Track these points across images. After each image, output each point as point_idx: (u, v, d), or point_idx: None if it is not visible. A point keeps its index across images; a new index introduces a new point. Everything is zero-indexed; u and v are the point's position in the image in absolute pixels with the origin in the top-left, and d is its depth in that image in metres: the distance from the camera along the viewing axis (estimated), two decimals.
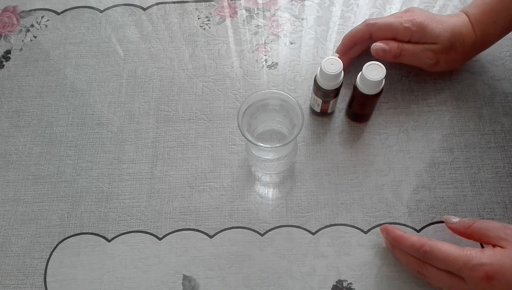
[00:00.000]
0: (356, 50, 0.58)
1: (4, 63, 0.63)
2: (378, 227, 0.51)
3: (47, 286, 0.51)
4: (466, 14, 0.54)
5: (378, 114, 0.58)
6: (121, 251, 0.52)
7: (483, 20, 0.53)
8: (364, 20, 0.56)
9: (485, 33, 0.53)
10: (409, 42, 0.54)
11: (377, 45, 0.53)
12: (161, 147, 0.57)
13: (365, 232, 0.52)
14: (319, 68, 0.50)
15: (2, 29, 0.66)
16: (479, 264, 0.41)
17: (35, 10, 0.67)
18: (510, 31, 0.54)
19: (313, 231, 0.52)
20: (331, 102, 0.54)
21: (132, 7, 0.67)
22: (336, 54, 0.58)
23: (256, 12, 0.65)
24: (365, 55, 0.58)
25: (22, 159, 0.57)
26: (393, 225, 0.51)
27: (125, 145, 0.57)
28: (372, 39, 0.55)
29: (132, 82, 0.61)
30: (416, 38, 0.53)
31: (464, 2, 0.64)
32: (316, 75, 0.52)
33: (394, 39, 0.54)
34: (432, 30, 0.52)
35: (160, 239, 0.52)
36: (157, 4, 0.66)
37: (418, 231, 0.52)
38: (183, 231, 0.53)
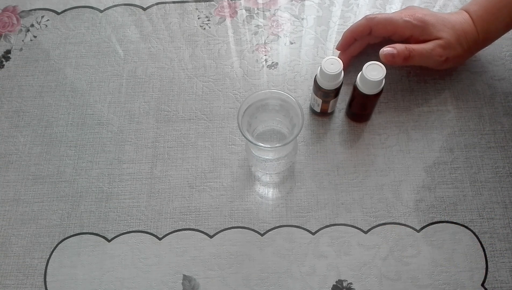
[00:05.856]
0: (356, 47, 0.58)
1: (4, 63, 0.63)
2: (378, 226, 0.51)
3: (47, 286, 0.51)
4: (467, 11, 0.54)
5: (378, 114, 0.58)
6: (121, 251, 0.52)
7: (485, 17, 0.53)
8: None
9: (486, 30, 0.53)
10: (411, 38, 0.53)
11: (385, 50, 0.52)
12: (161, 147, 0.57)
13: (365, 232, 0.52)
14: (319, 68, 0.50)
15: (2, 29, 0.66)
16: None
17: (35, 10, 0.67)
18: (511, 28, 0.54)
19: (313, 231, 0.52)
20: (331, 102, 0.54)
21: (132, 7, 0.67)
22: (336, 51, 0.58)
23: (256, 12, 0.65)
24: (365, 55, 0.58)
25: (22, 159, 0.57)
26: (393, 224, 0.52)
27: (125, 145, 0.57)
28: (372, 34, 0.55)
29: (132, 82, 0.61)
30: (418, 33, 0.53)
31: (464, 2, 0.64)
32: (316, 75, 0.52)
33: (394, 34, 0.54)
34: (433, 25, 0.52)
35: (160, 239, 0.52)
36: (157, 4, 0.66)
37: (418, 231, 0.52)
38: (183, 231, 0.53)
